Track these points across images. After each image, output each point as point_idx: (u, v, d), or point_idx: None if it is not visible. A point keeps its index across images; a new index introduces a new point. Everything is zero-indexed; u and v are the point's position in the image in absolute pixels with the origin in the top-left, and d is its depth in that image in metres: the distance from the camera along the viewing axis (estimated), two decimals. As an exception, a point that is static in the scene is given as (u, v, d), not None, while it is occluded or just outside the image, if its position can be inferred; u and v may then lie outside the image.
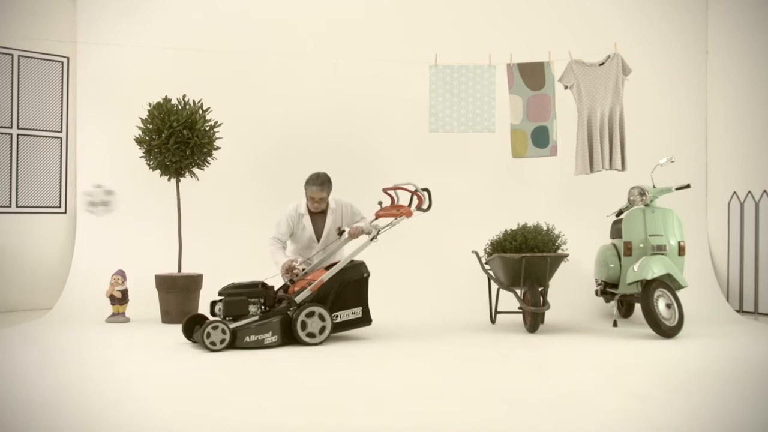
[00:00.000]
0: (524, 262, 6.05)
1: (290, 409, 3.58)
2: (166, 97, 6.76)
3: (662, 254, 6.07)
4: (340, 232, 6.10)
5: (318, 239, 6.07)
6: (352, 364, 4.78)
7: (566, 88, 7.07)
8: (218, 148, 6.92)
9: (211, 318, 5.47)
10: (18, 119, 7.68)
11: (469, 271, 7.04)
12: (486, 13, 8.13)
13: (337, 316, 5.56)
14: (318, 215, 6.08)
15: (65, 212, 7.96)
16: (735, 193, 7.61)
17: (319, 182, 5.92)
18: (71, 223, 7.96)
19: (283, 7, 8.15)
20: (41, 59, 7.81)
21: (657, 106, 8.00)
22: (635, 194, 6.40)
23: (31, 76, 7.75)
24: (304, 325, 5.37)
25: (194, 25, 8.05)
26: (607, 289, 6.71)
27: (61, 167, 7.96)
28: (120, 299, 6.68)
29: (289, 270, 5.74)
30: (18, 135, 7.68)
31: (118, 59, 7.93)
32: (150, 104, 6.75)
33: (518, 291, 6.31)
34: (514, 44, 7.31)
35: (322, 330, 5.42)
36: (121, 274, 6.74)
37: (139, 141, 6.76)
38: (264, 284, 5.56)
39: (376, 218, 5.94)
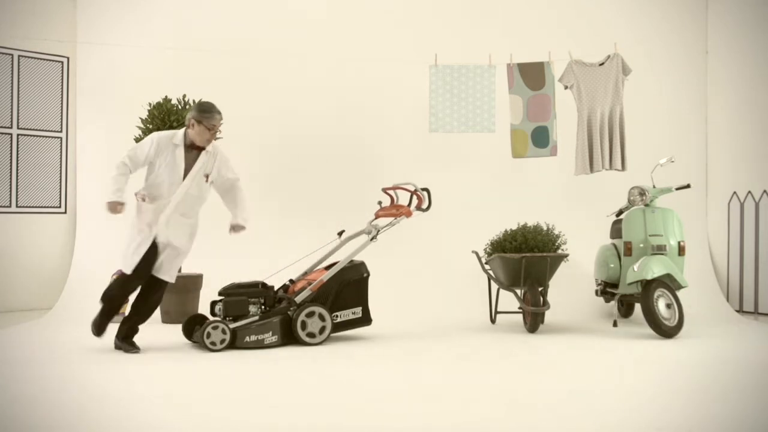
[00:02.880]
0: (524, 262, 6.04)
1: (290, 409, 3.58)
2: (166, 97, 6.75)
3: (662, 254, 6.07)
4: (340, 233, 6.10)
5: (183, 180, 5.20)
6: (352, 364, 4.78)
7: (566, 88, 7.06)
8: (218, 148, 6.91)
9: (211, 318, 5.48)
10: (18, 119, 7.67)
11: (469, 271, 7.04)
12: (486, 13, 8.12)
13: (337, 316, 5.56)
14: (191, 153, 5.23)
15: (65, 212, 7.96)
16: (735, 193, 7.60)
17: (218, 110, 5.21)
18: (71, 223, 7.96)
19: (283, 6, 8.15)
20: (41, 59, 7.81)
21: (657, 106, 7.99)
22: (635, 194, 6.39)
23: (31, 76, 7.75)
24: (304, 325, 5.37)
25: (194, 25, 8.04)
26: (607, 289, 6.71)
27: (61, 167, 7.95)
28: (120, 299, 6.67)
29: (113, 209, 5.09)
30: (18, 135, 7.68)
31: (118, 59, 7.92)
32: (150, 104, 6.75)
33: (518, 291, 6.31)
34: (514, 44, 7.30)
35: (322, 330, 5.42)
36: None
37: (139, 141, 6.75)
38: (264, 284, 5.56)
39: (376, 218, 5.93)
